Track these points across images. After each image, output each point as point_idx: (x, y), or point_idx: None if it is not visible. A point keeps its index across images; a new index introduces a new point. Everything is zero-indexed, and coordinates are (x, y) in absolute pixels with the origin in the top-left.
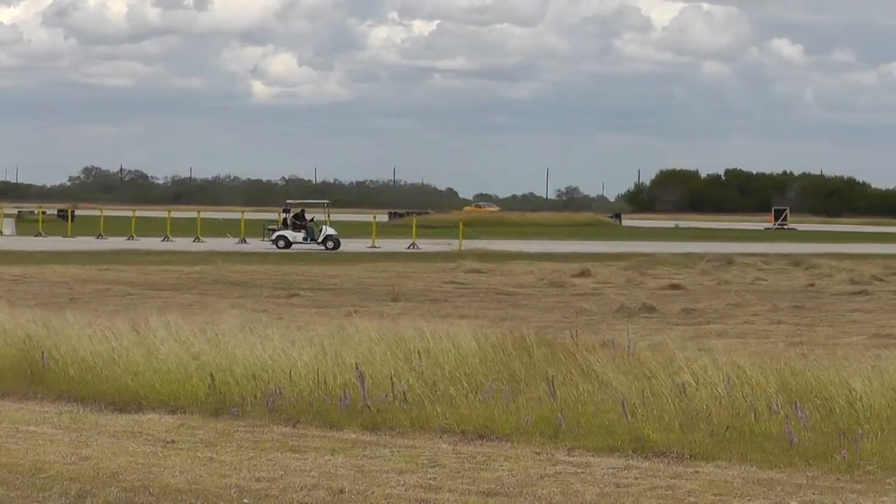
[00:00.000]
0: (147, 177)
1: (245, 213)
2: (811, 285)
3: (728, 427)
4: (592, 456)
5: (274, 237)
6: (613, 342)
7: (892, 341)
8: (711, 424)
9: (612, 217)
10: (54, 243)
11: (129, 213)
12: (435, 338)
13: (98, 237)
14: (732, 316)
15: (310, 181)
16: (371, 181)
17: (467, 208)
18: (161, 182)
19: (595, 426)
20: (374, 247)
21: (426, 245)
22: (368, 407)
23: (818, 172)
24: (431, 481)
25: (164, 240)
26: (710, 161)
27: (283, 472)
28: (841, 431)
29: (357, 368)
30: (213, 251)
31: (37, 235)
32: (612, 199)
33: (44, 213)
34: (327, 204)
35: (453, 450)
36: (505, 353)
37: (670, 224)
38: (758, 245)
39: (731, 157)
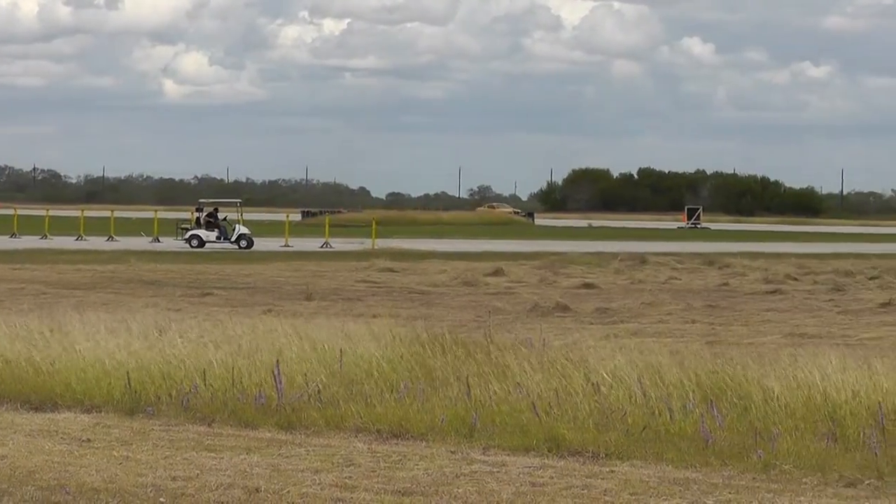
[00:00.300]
0: (60, 176)
1: (158, 213)
2: (725, 284)
3: (644, 426)
4: (508, 455)
5: (187, 236)
6: (528, 341)
7: (807, 340)
8: (626, 424)
9: (524, 216)
10: None
11: (42, 213)
12: (349, 337)
13: (12, 236)
14: (646, 315)
15: (222, 180)
16: (283, 180)
17: (479, 209)
18: (74, 181)
19: (510, 425)
20: (288, 246)
21: (339, 244)
22: (284, 406)
23: (731, 171)
24: (347, 480)
25: (77, 239)
26: (622, 160)
27: (198, 471)
28: (756, 431)
29: (276, 367)
30: (127, 250)
31: None
32: (524, 198)
33: None
34: (240, 203)
35: (368, 449)
36: (419, 353)
37: (583, 223)
38: (671, 244)
39: (643, 156)
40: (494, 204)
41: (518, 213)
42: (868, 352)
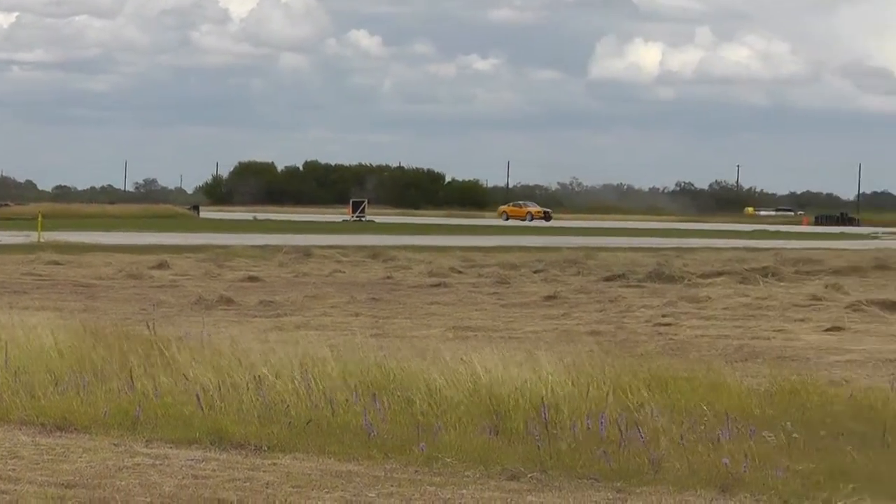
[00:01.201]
0: None
1: None
2: (389, 277)
3: (307, 420)
4: (171, 448)
5: None
6: (191, 334)
7: (471, 333)
8: (290, 417)
9: (190, 209)
10: None
11: None
12: (14, 329)
13: None
14: (310, 308)
15: None
16: None
17: (503, 208)
18: None
19: (173, 418)
20: None
21: (5, 237)
22: None
23: (397, 164)
24: (11, 473)
25: None
26: (288, 153)
27: None
28: (419, 424)
29: None
30: None
31: None
32: (190, 190)
33: None
34: None
35: (32, 441)
36: (84, 345)
37: (248, 216)
38: (336, 237)
39: (309, 149)
40: (521, 203)
41: (549, 211)
42: (532, 345)
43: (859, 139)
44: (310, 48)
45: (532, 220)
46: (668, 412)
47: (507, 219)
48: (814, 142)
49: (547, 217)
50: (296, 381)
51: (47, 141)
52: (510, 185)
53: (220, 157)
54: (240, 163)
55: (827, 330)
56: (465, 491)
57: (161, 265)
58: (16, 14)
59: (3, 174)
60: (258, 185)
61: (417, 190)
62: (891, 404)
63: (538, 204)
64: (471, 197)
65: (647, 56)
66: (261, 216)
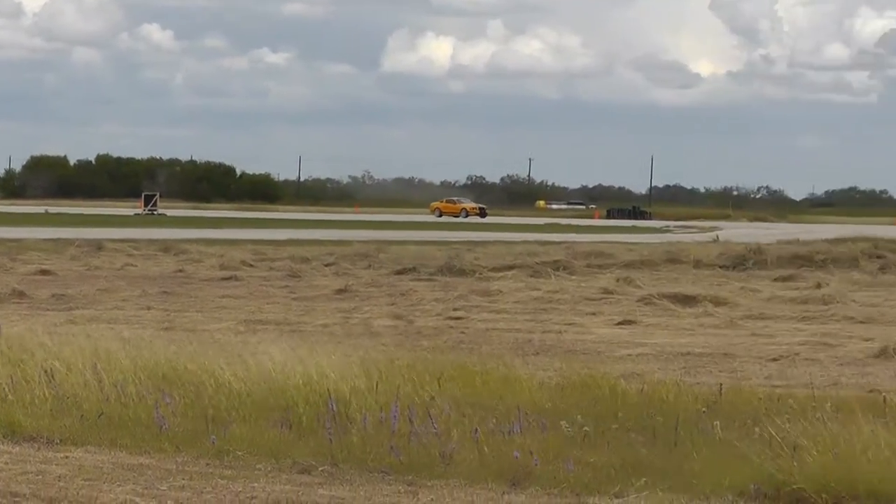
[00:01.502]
0: None
1: None
2: (181, 271)
3: (99, 413)
4: None
5: None
6: None
7: (262, 326)
8: (81, 410)
9: None
10: None
11: None
12: None
13: None
14: (102, 301)
15: None
16: None
17: (435, 204)
18: None
19: None
20: None
21: None
22: None
23: (189, 158)
24: None
25: None
26: (81, 147)
27: None
28: (210, 417)
29: None
30: None
31: None
32: None
33: None
34: None
35: None
36: None
37: (41, 209)
38: (128, 231)
39: (102, 143)
40: (454, 199)
41: (484, 208)
42: (323, 338)
43: (651, 133)
44: (102, 43)
45: (467, 216)
46: (460, 406)
47: (440, 215)
48: (606, 135)
49: (482, 213)
50: (87, 375)
51: None
52: (302, 179)
53: (13, 151)
54: (32, 157)
55: (618, 323)
56: (256, 484)
57: None
58: None
59: None
60: (51, 178)
61: (209, 184)
62: (682, 397)
63: (474, 200)
64: (262, 191)
65: (438, 50)
66: (53, 210)
